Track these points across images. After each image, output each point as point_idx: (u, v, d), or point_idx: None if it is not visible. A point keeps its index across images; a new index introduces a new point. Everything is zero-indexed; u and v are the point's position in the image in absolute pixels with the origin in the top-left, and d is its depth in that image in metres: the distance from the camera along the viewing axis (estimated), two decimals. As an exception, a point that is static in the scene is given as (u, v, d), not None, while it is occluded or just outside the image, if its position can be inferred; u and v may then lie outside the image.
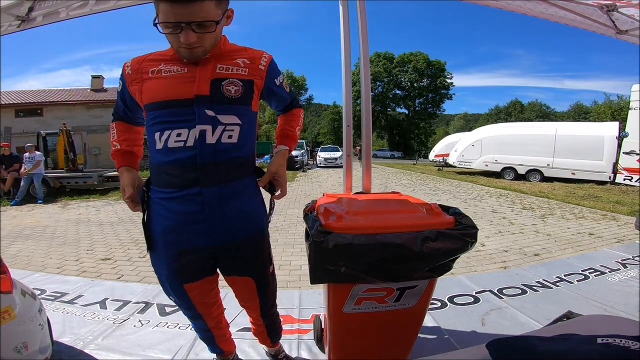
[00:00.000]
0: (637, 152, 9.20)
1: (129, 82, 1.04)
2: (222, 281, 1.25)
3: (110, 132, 1.18)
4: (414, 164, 22.51)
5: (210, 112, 0.97)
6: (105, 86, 17.98)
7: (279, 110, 1.31)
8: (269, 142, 24.12)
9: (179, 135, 0.96)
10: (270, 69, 1.10)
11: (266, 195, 1.21)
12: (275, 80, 1.14)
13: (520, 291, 2.44)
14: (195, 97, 0.96)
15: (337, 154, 17.57)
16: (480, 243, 3.65)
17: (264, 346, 1.57)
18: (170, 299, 1.21)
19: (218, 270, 1.20)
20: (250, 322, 1.44)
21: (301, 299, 2.32)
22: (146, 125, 1.04)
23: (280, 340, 1.55)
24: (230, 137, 1.00)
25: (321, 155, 18.31)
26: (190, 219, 1.02)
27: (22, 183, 6.99)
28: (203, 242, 1.05)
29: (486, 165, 12.71)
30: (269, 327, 1.40)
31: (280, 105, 1.26)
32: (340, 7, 1.84)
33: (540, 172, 11.38)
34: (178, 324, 1.96)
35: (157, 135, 0.99)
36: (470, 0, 2.14)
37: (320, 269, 1.06)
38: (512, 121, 33.13)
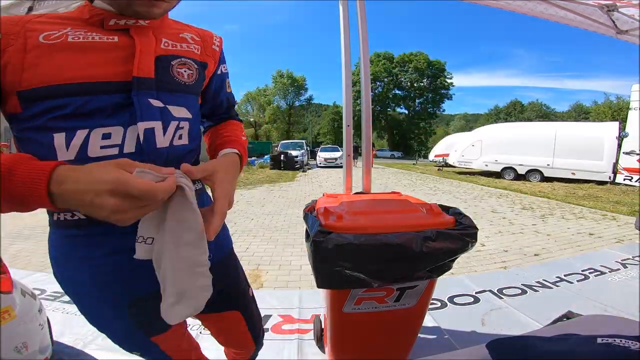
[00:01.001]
0: (637, 152, 9.20)
1: None
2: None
3: None
4: (414, 164, 22.52)
5: (156, 102, 0.66)
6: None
7: (208, 119, 0.93)
8: (269, 142, 24.07)
9: (106, 137, 0.61)
10: (222, 52, 0.85)
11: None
12: (221, 67, 0.85)
13: (520, 291, 2.44)
14: (134, 80, 0.63)
15: (337, 154, 17.56)
16: (480, 243, 3.65)
17: None
18: (135, 354, 0.89)
19: None
20: (227, 352, 1.17)
21: (301, 299, 2.32)
22: (23, 124, 0.60)
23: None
24: (181, 136, 0.71)
25: (321, 155, 18.29)
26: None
27: None
28: None
29: (486, 165, 12.71)
30: (253, 357, 1.15)
31: (212, 107, 0.88)
32: (340, 7, 1.84)
33: (540, 172, 11.38)
34: (178, 324, 1.96)
35: (58, 138, 0.59)
36: (470, 0, 2.14)
37: (326, 274, 1.06)
38: (512, 121, 33.17)
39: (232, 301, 0.95)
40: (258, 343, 1.10)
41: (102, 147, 0.62)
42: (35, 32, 0.60)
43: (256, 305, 1.08)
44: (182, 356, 0.92)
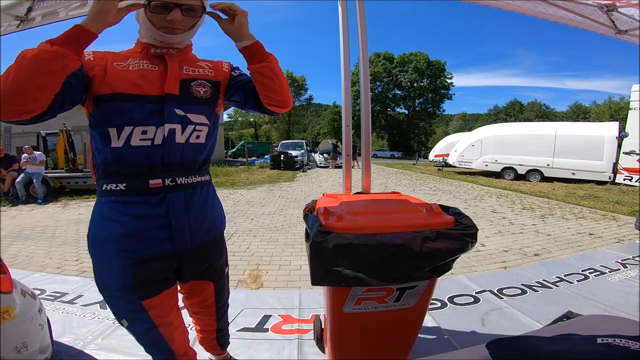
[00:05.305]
0: (637, 152, 9.20)
1: (88, 67, 0.90)
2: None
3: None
4: (414, 164, 22.49)
5: (179, 112, 0.95)
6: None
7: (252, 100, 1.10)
8: (269, 142, 24.07)
9: (144, 132, 0.91)
10: (232, 68, 1.14)
11: (222, 199, 1.16)
12: (231, 73, 1.12)
13: (520, 291, 2.44)
14: (165, 95, 0.94)
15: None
16: (480, 243, 3.65)
17: (210, 355, 1.46)
18: (123, 324, 1.04)
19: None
20: (197, 330, 1.36)
21: (301, 299, 2.32)
22: (94, 119, 0.93)
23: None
24: (198, 137, 1.00)
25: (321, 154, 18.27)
26: (153, 224, 0.95)
27: (17, 181, 6.96)
28: (169, 248, 0.98)
29: (486, 165, 12.71)
30: (219, 331, 1.35)
31: (245, 91, 1.09)
32: (340, 7, 1.84)
33: (540, 172, 11.37)
34: (178, 324, 1.96)
35: (113, 131, 0.90)
36: (470, 0, 2.14)
37: (322, 271, 1.06)
38: (511, 121, 33.14)
39: (209, 273, 1.17)
40: (220, 314, 1.29)
41: (140, 139, 0.91)
42: (111, 61, 0.93)
43: (228, 282, 1.30)
44: (169, 333, 1.08)
